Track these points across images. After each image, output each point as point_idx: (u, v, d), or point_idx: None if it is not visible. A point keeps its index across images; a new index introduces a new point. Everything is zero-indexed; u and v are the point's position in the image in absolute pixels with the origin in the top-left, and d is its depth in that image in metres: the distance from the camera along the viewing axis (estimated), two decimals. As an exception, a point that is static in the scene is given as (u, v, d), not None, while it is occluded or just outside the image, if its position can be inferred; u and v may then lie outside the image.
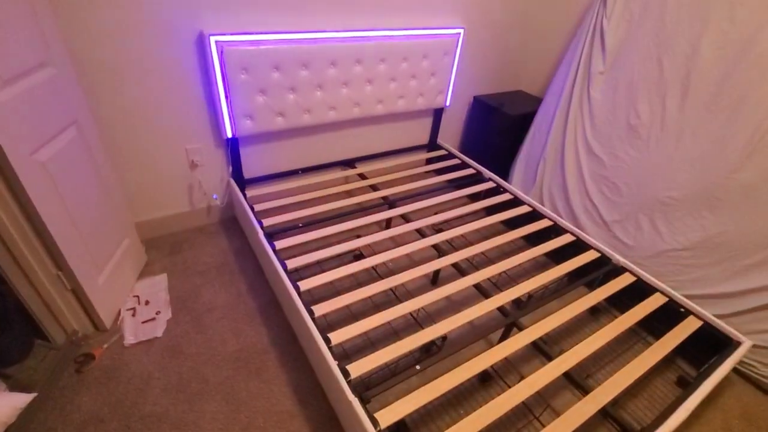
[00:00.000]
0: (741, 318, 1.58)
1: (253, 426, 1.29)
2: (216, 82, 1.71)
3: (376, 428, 1.05)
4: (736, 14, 1.52)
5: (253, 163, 2.08)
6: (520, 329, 1.43)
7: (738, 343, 1.46)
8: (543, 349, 1.46)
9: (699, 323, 1.51)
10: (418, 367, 1.25)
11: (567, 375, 1.34)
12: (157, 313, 1.62)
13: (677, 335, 1.45)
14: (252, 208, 1.86)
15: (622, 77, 1.87)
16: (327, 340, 1.27)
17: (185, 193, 2.01)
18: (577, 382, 1.34)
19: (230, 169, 2.03)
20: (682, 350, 1.60)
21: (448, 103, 2.50)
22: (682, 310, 1.57)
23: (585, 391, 1.28)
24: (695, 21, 1.62)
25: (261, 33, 1.71)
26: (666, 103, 1.72)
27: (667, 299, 1.59)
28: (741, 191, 1.55)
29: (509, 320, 1.48)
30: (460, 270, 1.71)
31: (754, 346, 1.50)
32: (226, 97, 1.76)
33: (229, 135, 1.88)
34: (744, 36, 1.50)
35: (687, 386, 1.32)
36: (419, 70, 2.21)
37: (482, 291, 1.63)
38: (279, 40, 1.75)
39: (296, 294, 1.42)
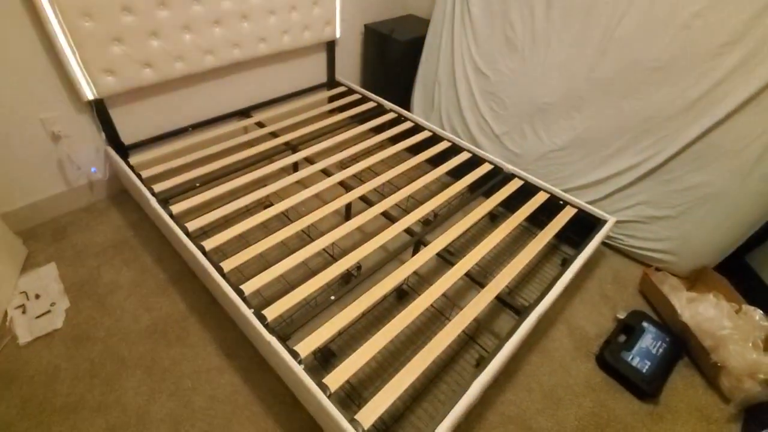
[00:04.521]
0: (607, 200, 1.85)
1: (181, 389, 1.29)
2: (55, 35, 1.45)
3: (297, 359, 1.11)
4: None
5: (131, 125, 1.86)
6: (426, 245, 1.54)
7: (605, 221, 1.72)
8: (449, 260, 1.60)
9: (574, 211, 1.75)
10: (333, 297, 1.31)
11: (469, 276, 1.50)
12: (51, 305, 1.49)
13: (557, 224, 1.67)
14: (139, 176, 1.70)
15: (496, -10, 1.91)
16: (240, 292, 1.27)
17: (56, 172, 1.77)
18: (478, 281, 1.51)
19: (104, 135, 1.81)
20: (566, 238, 1.87)
21: (338, 35, 2.39)
22: (561, 202, 1.79)
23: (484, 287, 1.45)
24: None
25: (94, -32, 1.46)
26: (534, 13, 1.81)
27: (548, 195, 1.80)
28: (599, 88, 1.73)
29: (416, 238, 1.59)
30: (369, 202, 1.76)
31: (617, 222, 1.78)
32: (73, 51, 1.51)
33: (90, 96, 1.64)
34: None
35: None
36: (299, 1, 2.05)
37: (391, 218, 1.70)
38: (120, -25, 1.50)
39: (201, 254, 1.37)
